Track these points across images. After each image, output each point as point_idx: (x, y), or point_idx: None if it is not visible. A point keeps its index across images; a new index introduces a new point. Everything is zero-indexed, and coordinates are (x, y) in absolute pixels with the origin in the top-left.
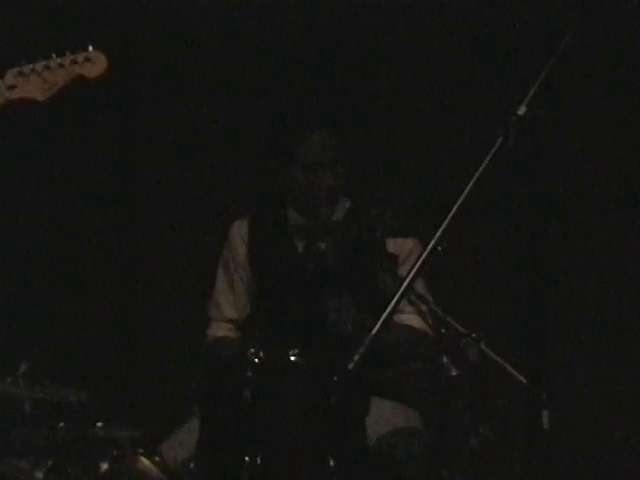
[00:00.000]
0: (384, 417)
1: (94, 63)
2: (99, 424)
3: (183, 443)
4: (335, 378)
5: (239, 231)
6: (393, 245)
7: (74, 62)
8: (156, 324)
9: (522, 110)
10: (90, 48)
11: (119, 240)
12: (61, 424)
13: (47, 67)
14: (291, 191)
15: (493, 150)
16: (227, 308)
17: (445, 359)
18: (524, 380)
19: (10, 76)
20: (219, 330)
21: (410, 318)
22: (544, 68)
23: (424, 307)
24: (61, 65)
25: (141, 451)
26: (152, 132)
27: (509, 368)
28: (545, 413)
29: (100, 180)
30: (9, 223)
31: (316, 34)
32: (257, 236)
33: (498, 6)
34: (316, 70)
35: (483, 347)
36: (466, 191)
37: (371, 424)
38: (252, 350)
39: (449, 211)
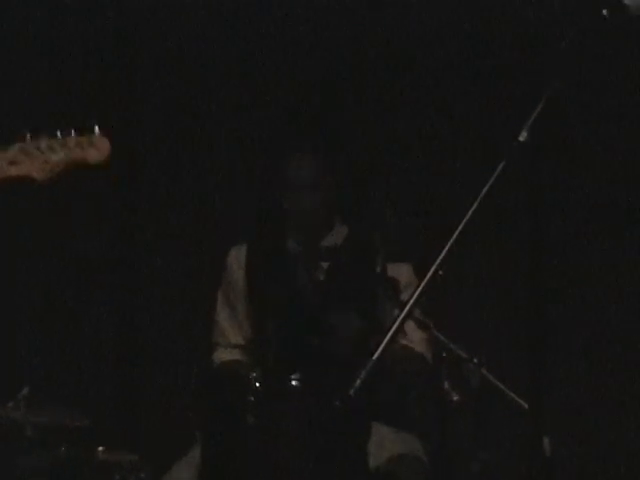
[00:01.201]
0: (384, 443)
1: (98, 149)
2: (100, 448)
3: (185, 472)
4: (337, 403)
5: (237, 258)
6: (391, 270)
7: (78, 144)
8: (158, 348)
9: (523, 135)
10: (96, 130)
11: (119, 261)
12: (62, 448)
13: (50, 147)
14: (287, 215)
15: (494, 175)
16: (232, 334)
17: (446, 384)
18: (525, 405)
19: (12, 152)
20: (225, 354)
21: (414, 341)
22: (545, 92)
23: (425, 333)
24: (64, 146)
25: (142, 476)
26: (150, 151)
27: (510, 393)
28: (546, 439)
29: (99, 201)
30: (8, 244)
31: (314, 51)
32: (255, 264)
33: (500, 29)
34: (312, 89)
35: (484, 372)
36: (468, 216)
37: (371, 450)
38: (254, 375)
39: (450, 235)
